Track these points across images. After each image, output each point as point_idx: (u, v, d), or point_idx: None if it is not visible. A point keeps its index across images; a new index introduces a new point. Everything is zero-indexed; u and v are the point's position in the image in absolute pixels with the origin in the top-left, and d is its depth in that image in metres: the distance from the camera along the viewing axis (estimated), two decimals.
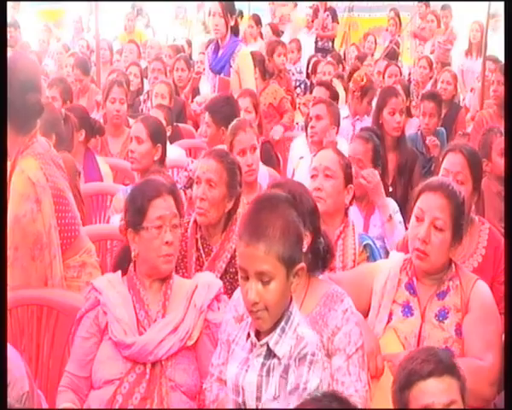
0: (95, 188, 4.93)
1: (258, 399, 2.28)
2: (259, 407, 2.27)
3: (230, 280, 3.38)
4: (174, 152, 5.49)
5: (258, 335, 2.29)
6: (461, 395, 2.31)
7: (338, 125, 5.50)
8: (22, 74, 3.29)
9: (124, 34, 11.96)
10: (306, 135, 5.78)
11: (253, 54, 7.08)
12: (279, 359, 2.24)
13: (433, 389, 2.28)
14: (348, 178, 3.68)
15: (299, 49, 10.71)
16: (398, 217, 4.33)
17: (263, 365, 2.27)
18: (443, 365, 2.30)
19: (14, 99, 3.23)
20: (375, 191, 4.31)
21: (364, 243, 3.55)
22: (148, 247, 2.84)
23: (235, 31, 6.56)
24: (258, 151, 4.37)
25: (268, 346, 2.26)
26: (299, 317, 2.32)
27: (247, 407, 2.29)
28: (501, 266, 3.49)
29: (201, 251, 3.46)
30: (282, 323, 2.26)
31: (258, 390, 2.27)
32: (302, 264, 2.26)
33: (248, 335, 2.32)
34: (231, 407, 2.36)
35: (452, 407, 2.28)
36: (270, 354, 2.26)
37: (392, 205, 4.40)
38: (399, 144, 5.27)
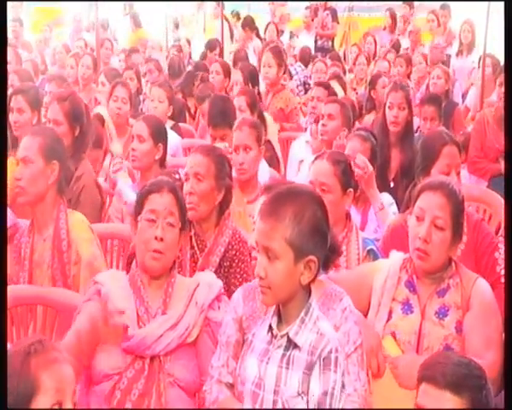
0: None
1: (276, 392, 2.31)
2: (278, 401, 2.30)
3: (225, 274, 3.39)
4: (172, 138, 5.39)
5: (278, 328, 2.35)
6: None
7: (349, 128, 5.29)
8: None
9: (131, 34, 11.99)
10: (311, 133, 5.79)
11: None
12: (299, 349, 2.29)
13: (430, 394, 2.28)
14: (346, 184, 3.55)
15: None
16: (392, 208, 4.30)
17: (283, 356, 2.32)
18: (448, 380, 2.26)
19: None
20: (368, 180, 4.17)
21: (368, 248, 3.50)
22: (140, 239, 2.86)
23: None
24: (252, 152, 4.29)
25: (288, 337, 2.31)
26: (318, 311, 2.38)
27: (265, 400, 2.32)
28: (483, 246, 3.56)
29: (196, 248, 3.47)
30: (302, 314, 2.33)
31: (276, 383, 2.30)
32: (312, 256, 2.29)
33: (269, 327, 2.36)
34: (248, 400, 2.38)
35: None
36: (291, 344, 2.31)
37: (386, 198, 4.37)
38: (404, 141, 5.16)
